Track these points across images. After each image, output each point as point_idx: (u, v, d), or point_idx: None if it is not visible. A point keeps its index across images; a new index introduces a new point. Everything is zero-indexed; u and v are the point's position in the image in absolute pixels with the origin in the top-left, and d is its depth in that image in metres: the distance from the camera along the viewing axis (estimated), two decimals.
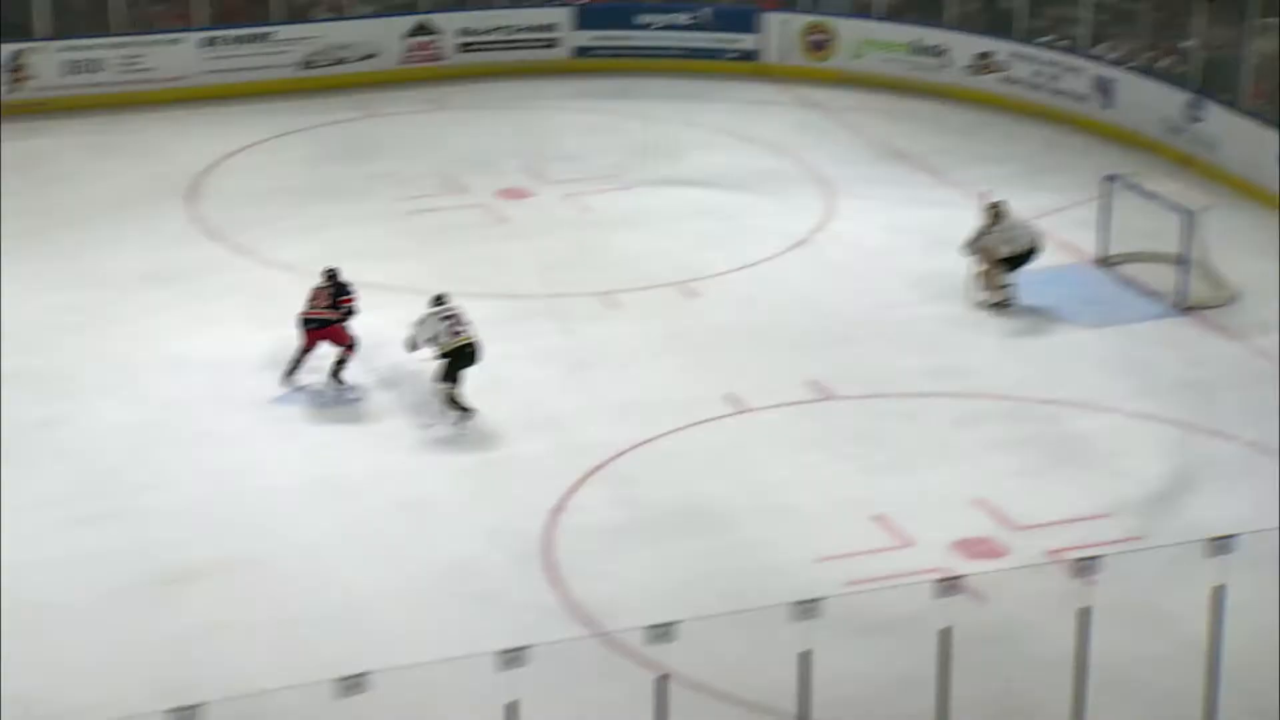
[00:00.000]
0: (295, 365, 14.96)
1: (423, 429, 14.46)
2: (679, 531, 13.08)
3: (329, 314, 14.97)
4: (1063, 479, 13.72)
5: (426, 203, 19.15)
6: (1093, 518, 13.14)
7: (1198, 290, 16.71)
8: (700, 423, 14.62)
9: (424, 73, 23.07)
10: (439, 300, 14.71)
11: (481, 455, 14.09)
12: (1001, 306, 16.60)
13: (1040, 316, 16.59)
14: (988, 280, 16.73)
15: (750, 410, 14.87)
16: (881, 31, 22.85)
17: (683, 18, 23.42)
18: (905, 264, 17.73)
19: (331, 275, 15.21)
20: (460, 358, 14.43)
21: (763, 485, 13.70)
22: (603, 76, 23.23)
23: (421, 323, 14.60)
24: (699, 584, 12.36)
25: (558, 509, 13.33)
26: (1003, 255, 16.63)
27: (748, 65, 23.36)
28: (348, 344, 15.04)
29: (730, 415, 14.78)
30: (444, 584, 12.40)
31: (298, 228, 18.38)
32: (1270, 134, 18.97)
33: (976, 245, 16.73)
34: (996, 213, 16.79)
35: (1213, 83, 19.99)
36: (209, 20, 22.38)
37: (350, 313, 15.03)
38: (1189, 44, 20.31)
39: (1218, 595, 10.25)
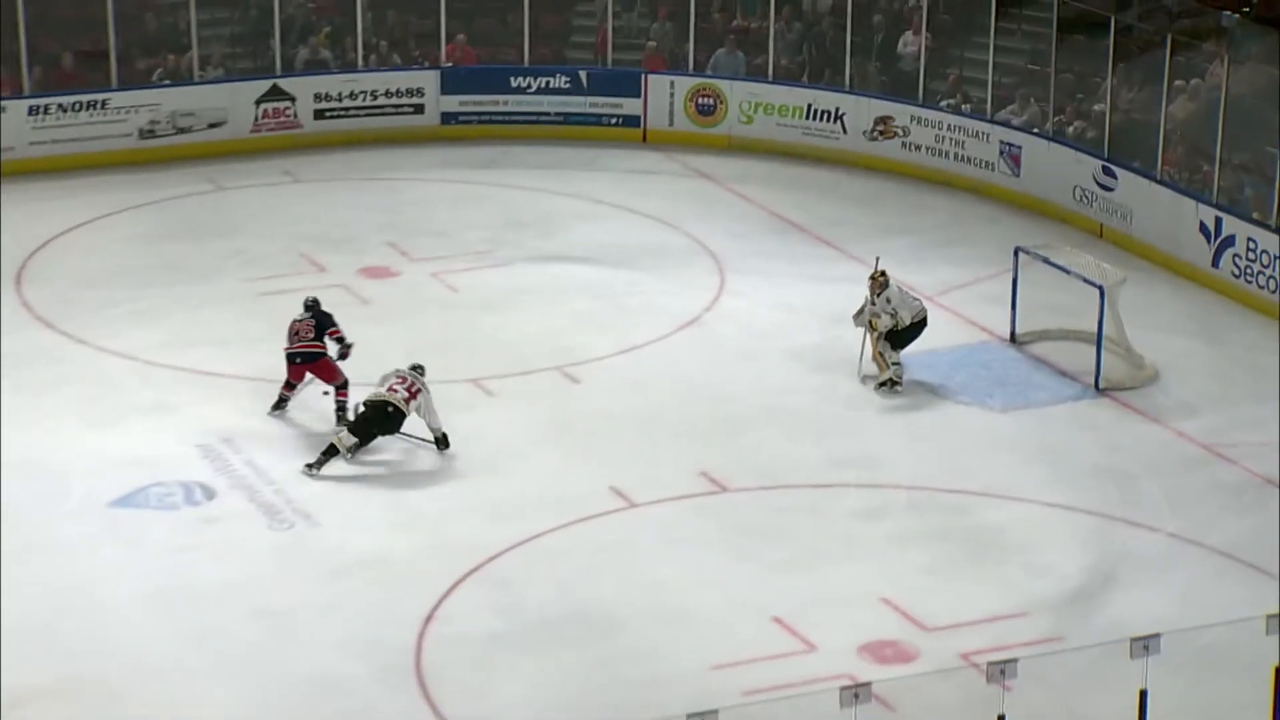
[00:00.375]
0: (281, 401, 16.00)
1: (280, 531, 14.36)
2: (562, 640, 13.08)
3: (317, 346, 15.88)
4: (975, 575, 13.92)
5: (280, 283, 19.08)
6: (1008, 617, 13.33)
7: (1114, 370, 17.08)
8: (584, 519, 14.66)
9: (277, 141, 23.05)
10: (417, 368, 15.67)
11: (345, 559, 14.01)
12: (889, 386, 16.87)
13: (948, 399, 16.86)
14: (875, 357, 17.03)
15: (638, 505, 14.93)
16: (774, 94, 23.22)
17: (559, 81, 23.65)
18: (802, 344, 17.96)
19: (311, 306, 16.14)
20: (377, 417, 15.18)
21: (652, 587, 13.75)
22: (473, 145, 23.37)
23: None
24: (585, 697, 12.37)
25: (429, 618, 13.28)
26: (884, 329, 16.94)
27: (630, 131, 23.61)
28: (339, 381, 15.87)
29: (616, 511, 14.83)
30: (304, 703, 12.29)
31: (137, 312, 18.24)
32: (1186, 203, 19.52)
33: (859, 319, 17.03)
34: (877, 284, 17.12)
35: (1125, 149, 20.55)
36: (36, 86, 22.23)
37: (343, 343, 15.94)
38: (1099, 108, 20.87)
39: (1141, 700, 10.43)
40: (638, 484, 15.16)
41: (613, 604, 13.50)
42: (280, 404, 16.09)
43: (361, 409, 15.40)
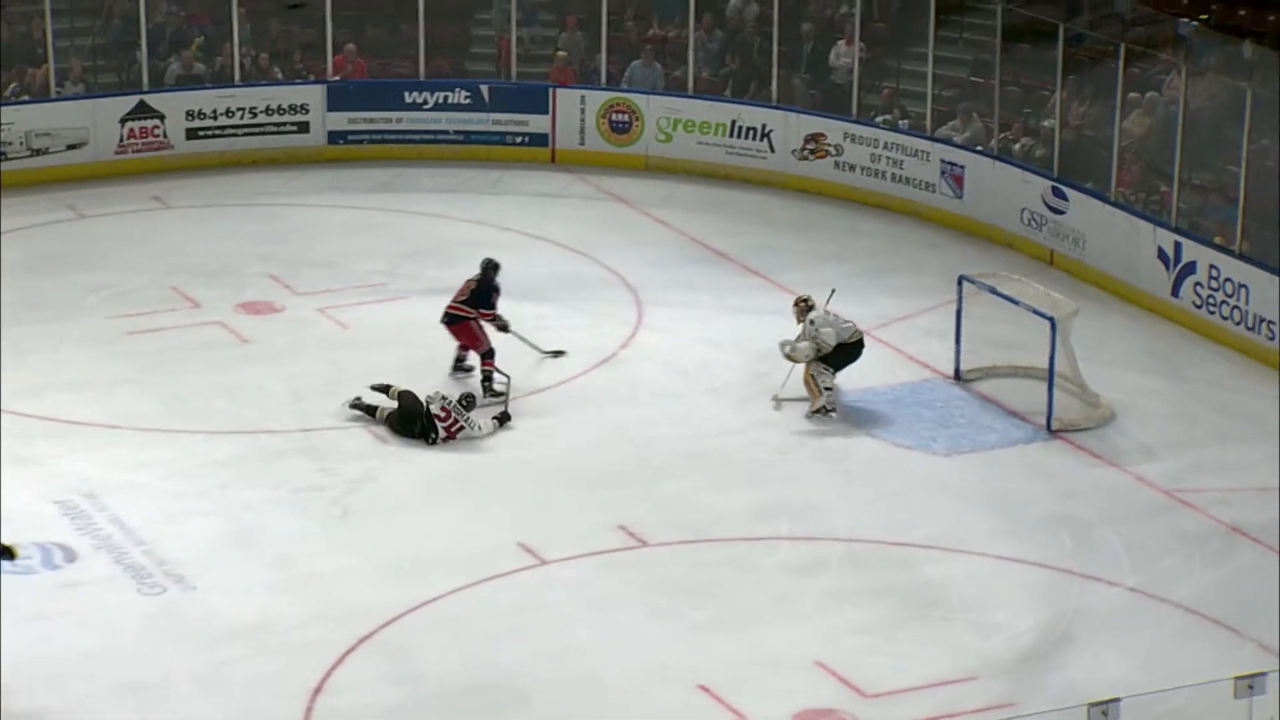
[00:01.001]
0: (459, 361, 17.88)
1: (150, 595, 14.22)
2: (465, 713, 13.03)
3: (464, 310, 17.55)
4: (919, 635, 13.99)
5: (149, 320, 18.96)
6: (955, 681, 13.40)
7: (1067, 410, 17.24)
8: (488, 579, 14.62)
9: (144, 164, 22.93)
10: (467, 400, 16.84)
11: (223, 626, 13.90)
12: (821, 413, 16.98)
13: (887, 442, 16.96)
14: (807, 381, 17.18)
15: (548, 563, 14.91)
16: (694, 110, 23.34)
17: (459, 96, 23.67)
18: (728, 383, 18.02)
19: (485, 269, 17.84)
20: (406, 423, 16.73)
21: (564, 653, 13.73)
22: (363, 166, 23.33)
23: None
24: None
25: (317, 689, 13.19)
26: (805, 357, 17.11)
27: (537, 151, 23.66)
28: (482, 349, 17.53)
29: (524, 569, 14.81)
30: None
31: None
32: (1143, 226, 19.76)
33: (788, 347, 17.17)
34: (800, 310, 17.38)
35: (1076, 168, 20.79)
36: None
37: (497, 321, 17.66)
38: (1048, 123, 21.10)
39: None
40: (548, 539, 15.15)
41: (520, 673, 13.46)
42: (459, 364, 17.84)
43: (397, 408, 16.73)
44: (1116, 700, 10.54)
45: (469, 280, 17.83)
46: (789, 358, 17.32)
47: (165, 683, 13.27)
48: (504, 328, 17.85)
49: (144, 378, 17.69)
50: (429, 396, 16.73)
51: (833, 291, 17.74)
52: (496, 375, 17.45)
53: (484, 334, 17.66)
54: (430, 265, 20.58)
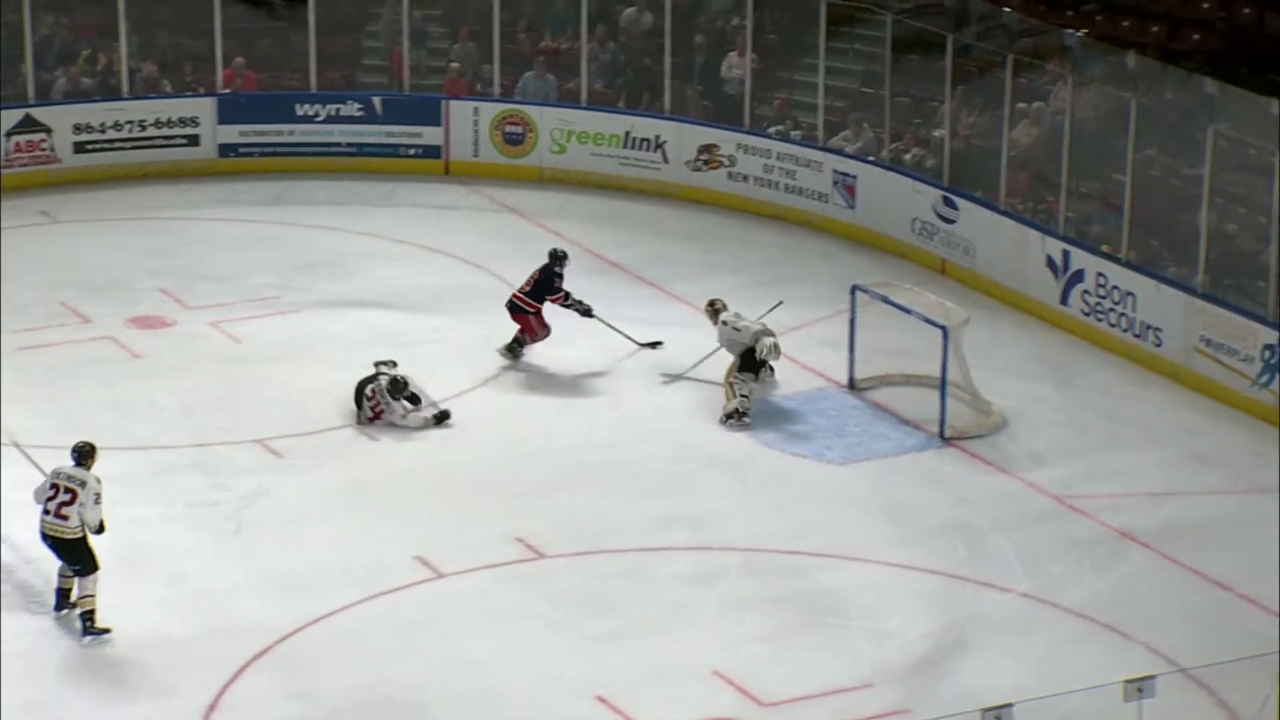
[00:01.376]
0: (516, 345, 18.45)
1: (39, 615, 14.06)
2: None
3: (526, 302, 18.18)
4: (815, 644, 14.07)
5: (38, 336, 18.76)
6: (851, 689, 13.49)
7: (960, 418, 17.40)
8: (385, 593, 14.57)
9: (31, 178, 22.67)
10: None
11: (115, 643, 13.77)
12: (735, 418, 17.11)
13: (782, 452, 17.05)
14: (726, 384, 17.29)
15: (445, 576, 14.88)
16: (588, 121, 23.38)
17: (351, 108, 23.59)
18: (625, 394, 18.06)
19: (552, 259, 18.52)
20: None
21: (462, 666, 13.71)
22: (255, 179, 23.20)
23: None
24: None
25: (212, 706, 13.10)
26: (772, 353, 17.45)
27: (431, 163, 23.61)
28: (538, 338, 18.35)
29: (421, 582, 14.77)
30: None
31: None
32: (1032, 235, 19.98)
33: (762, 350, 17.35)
34: (711, 312, 17.76)
35: (966, 177, 21.00)
36: None
37: (568, 302, 18.38)
38: (938, 133, 21.30)
39: None
40: (444, 552, 15.11)
41: (417, 687, 13.42)
42: (512, 348, 18.37)
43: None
44: (1009, 705, 10.66)
45: (535, 271, 18.46)
46: (764, 362, 17.46)
47: (57, 701, 13.13)
48: (587, 312, 18.48)
49: (33, 394, 17.49)
50: (377, 375, 17.13)
51: (778, 303, 17.90)
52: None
53: (544, 326, 18.37)
54: (323, 278, 20.49)
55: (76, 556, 13.81)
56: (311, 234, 21.78)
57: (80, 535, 13.77)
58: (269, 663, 13.62)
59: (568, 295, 18.49)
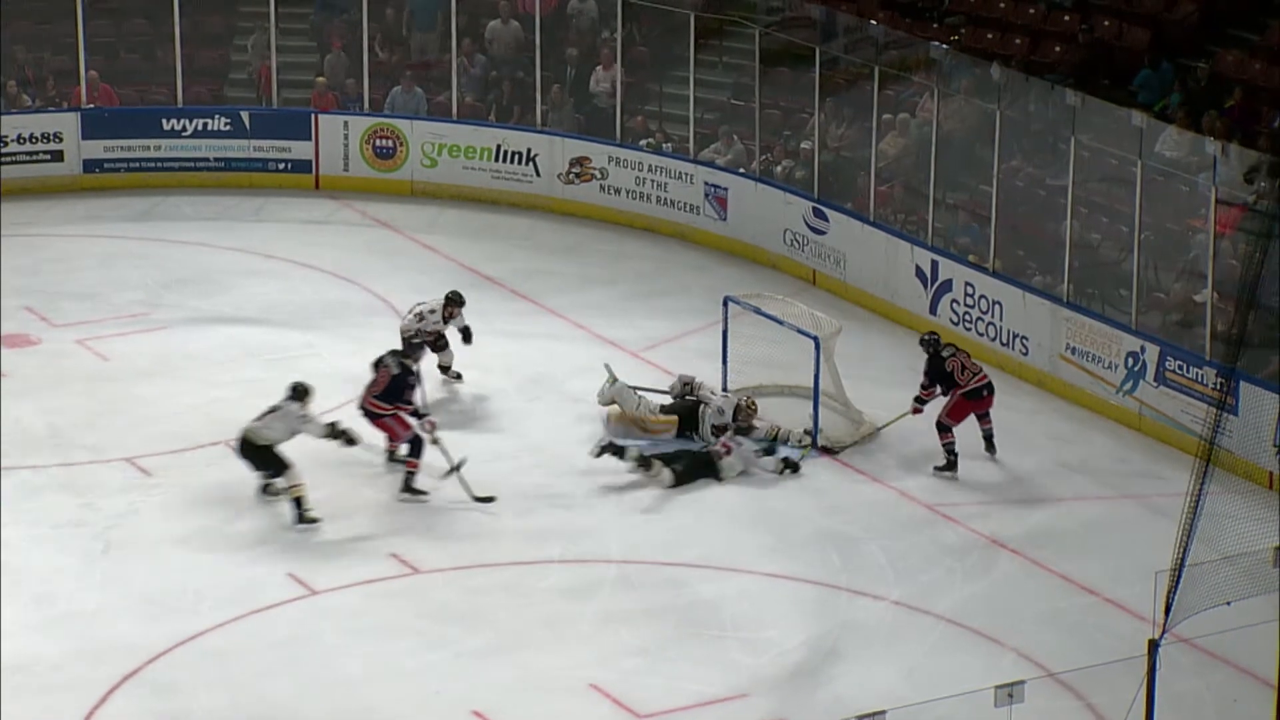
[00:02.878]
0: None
1: None
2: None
3: (379, 407, 16.68)
4: (692, 655, 14.13)
5: None
6: (727, 699, 13.56)
7: (833, 428, 17.54)
8: (257, 611, 14.47)
9: None
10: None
11: None
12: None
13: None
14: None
15: (318, 593, 14.80)
16: (459, 135, 23.34)
17: (218, 123, 23.40)
18: (498, 408, 18.04)
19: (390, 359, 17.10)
20: None
21: (337, 685, 13.64)
22: (121, 195, 22.95)
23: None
24: None
25: None
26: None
27: (301, 177, 23.47)
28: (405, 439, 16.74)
29: (294, 600, 14.68)
30: None
31: None
32: (901, 246, 20.18)
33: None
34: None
35: (836, 189, 21.18)
36: None
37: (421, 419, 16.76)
38: (807, 145, 21.46)
39: None
40: (318, 569, 15.04)
41: (292, 706, 13.34)
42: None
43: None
44: (883, 712, 10.75)
45: (383, 370, 16.49)
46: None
47: None
48: (430, 432, 16.37)
49: None
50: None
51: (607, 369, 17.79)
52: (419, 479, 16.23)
53: (406, 428, 16.40)
54: (192, 294, 20.32)
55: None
56: (180, 250, 21.59)
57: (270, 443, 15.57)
58: (139, 684, 13.48)
59: (419, 412, 16.54)
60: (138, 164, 23.25)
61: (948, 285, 19.74)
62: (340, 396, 18.09)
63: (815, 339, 17.42)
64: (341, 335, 19.47)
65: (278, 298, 20.42)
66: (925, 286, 19.95)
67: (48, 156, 22.98)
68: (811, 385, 17.41)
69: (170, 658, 13.79)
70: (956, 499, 16.54)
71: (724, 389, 18.12)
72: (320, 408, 17.75)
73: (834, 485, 16.84)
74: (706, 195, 22.13)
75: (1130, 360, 17.99)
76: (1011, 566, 15.55)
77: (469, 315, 18.90)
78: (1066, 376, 18.45)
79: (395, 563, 15.23)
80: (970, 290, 19.49)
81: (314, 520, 15.63)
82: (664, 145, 22.64)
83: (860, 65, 20.85)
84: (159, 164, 23.28)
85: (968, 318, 19.52)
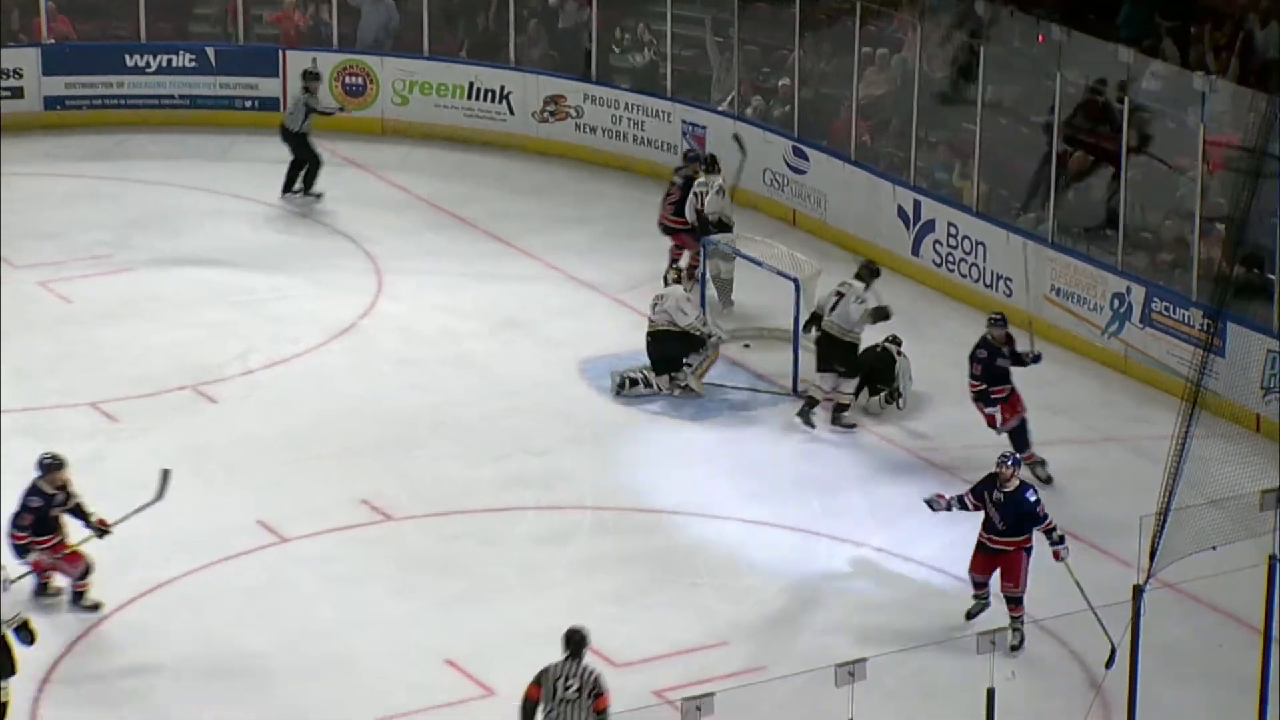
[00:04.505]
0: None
1: None
2: (206, 697, 12.92)
3: (674, 220, 17.71)
4: (668, 602, 14.19)
5: None
6: (705, 647, 13.63)
7: (811, 373, 17.53)
8: (226, 559, 14.50)
9: None
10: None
11: None
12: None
13: (634, 408, 17.13)
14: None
15: (289, 540, 14.83)
16: (430, 72, 23.24)
17: (183, 59, 23.27)
18: (473, 352, 18.05)
19: (688, 159, 18.74)
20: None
21: (308, 633, 13.68)
22: (84, 132, 22.84)
23: None
24: None
25: (45, 679, 12.97)
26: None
27: (268, 115, 23.29)
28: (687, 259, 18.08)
29: (264, 548, 14.71)
30: None
31: None
32: (883, 185, 20.17)
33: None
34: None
35: (816, 128, 21.14)
36: None
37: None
38: (786, 83, 21.41)
39: None
40: (289, 516, 15.06)
41: (263, 655, 13.38)
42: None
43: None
44: (863, 660, 10.82)
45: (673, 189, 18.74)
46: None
47: None
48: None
49: None
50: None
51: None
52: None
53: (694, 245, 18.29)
54: (157, 235, 20.28)
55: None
56: (144, 190, 21.52)
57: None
58: (105, 632, 13.51)
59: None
60: (100, 101, 23.15)
61: (930, 226, 19.76)
62: (311, 340, 18.11)
63: (795, 280, 17.43)
64: (310, 278, 19.45)
65: (245, 239, 20.38)
66: (908, 227, 19.96)
67: (8, 93, 22.83)
68: (791, 328, 17.43)
69: (139, 605, 13.81)
70: (940, 443, 16.59)
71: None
72: (289, 351, 17.81)
73: (814, 430, 16.87)
74: (684, 134, 22.09)
75: (1116, 301, 18.04)
76: None
77: (444, 258, 18.91)
78: (1051, 318, 18.50)
79: (368, 509, 15.26)
80: (953, 231, 19.51)
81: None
82: (643, 83, 22.50)
83: (841, 0, 20.80)
84: (122, 101, 23.17)
85: (950, 259, 19.54)
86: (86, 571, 13.72)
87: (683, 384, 17.20)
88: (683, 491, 15.76)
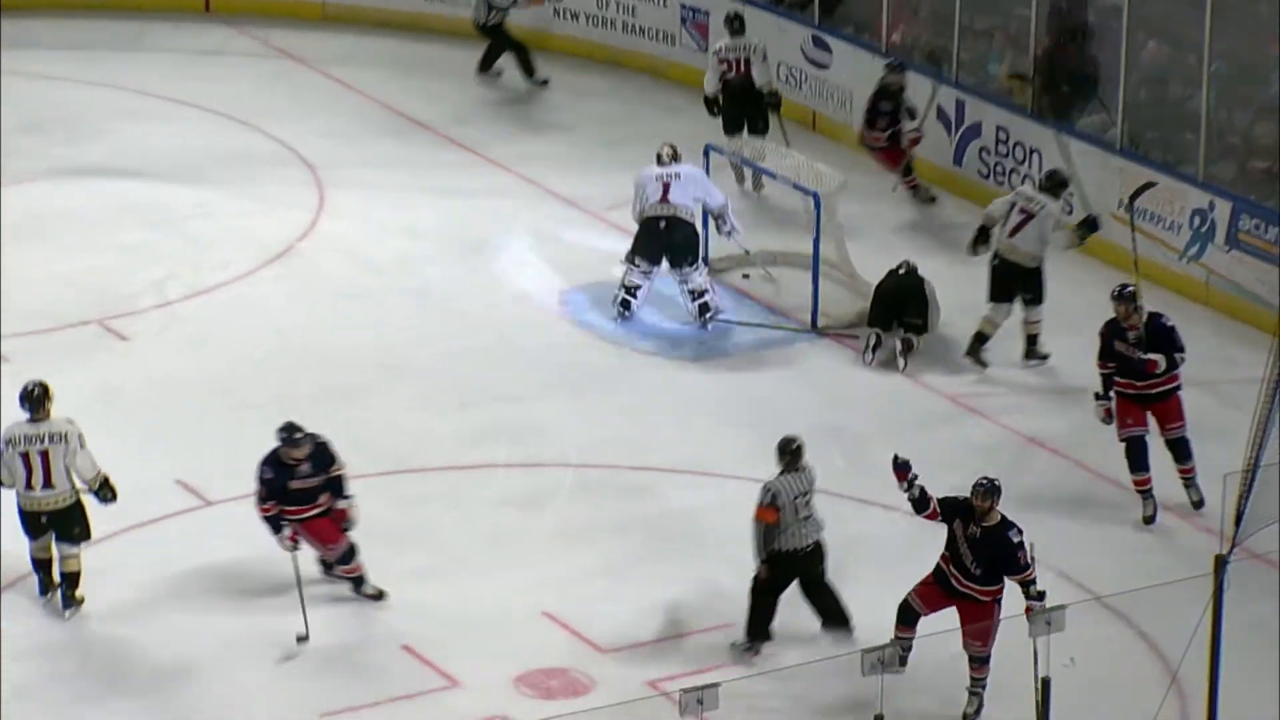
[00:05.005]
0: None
1: None
2: (123, 683, 13.02)
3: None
4: (664, 576, 14.22)
5: None
6: (708, 630, 13.67)
7: (835, 303, 17.59)
8: (142, 525, 14.55)
9: None
10: None
11: None
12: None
13: (624, 348, 17.20)
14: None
15: (215, 503, 14.87)
16: None
17: None
18: (432, 280, 18.09)
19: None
20: None
21: (237, 612, 13.75)
22: None
23: None
24: None
25: None
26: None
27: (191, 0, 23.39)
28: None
29: (187, 511, 14.75)
30: None
31: None
32: (921, 82, 20.13)
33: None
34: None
35: (841, 13, 21.11)
36: None
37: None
38: None
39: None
40: (214, 476, 15.11)
41: (181, 640, 13.45)
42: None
43: None
44: (896, 643, 10.90)
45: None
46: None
47: None
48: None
49: None
50: None
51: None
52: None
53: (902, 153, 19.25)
54: (57, 141, 20.33)
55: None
56: (40, 86, 21.51)
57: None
58: (11, 606, 13.57)
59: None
60: None
61: (976, 130, 19.75)
62: (241, 266, 18.11)
63: (815, 195, 17.43)
64: (239, 191, 19.49)
65: (162, 145, 20.38)
66: (949, 131, 19.96)
67: None
68: (809, 253, 17.43)
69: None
70: (986, 389, 16.64)
71: (704, 259, 18.08)
72: (216, 279, 17.83)
73: (837, 373, 16.92)
74: (684, 21, 22.06)
75: (1196, 220, 18.05)
76: (1051, 469, 15.68)
77: (397, 168, 18.90)
78: (1119, 240, 18.51)
79: None
80: (1003, 136, 19.50)
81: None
82: None
83: None
84: None
85: (999, 168, 19.55)
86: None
87: (698, 289, 17.21)
88: (682, 447, 15.81)
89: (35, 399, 13.71)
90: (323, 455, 13.72)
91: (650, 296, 17.56)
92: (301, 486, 13.64)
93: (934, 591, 12.78)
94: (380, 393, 16.36)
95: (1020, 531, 12.66)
